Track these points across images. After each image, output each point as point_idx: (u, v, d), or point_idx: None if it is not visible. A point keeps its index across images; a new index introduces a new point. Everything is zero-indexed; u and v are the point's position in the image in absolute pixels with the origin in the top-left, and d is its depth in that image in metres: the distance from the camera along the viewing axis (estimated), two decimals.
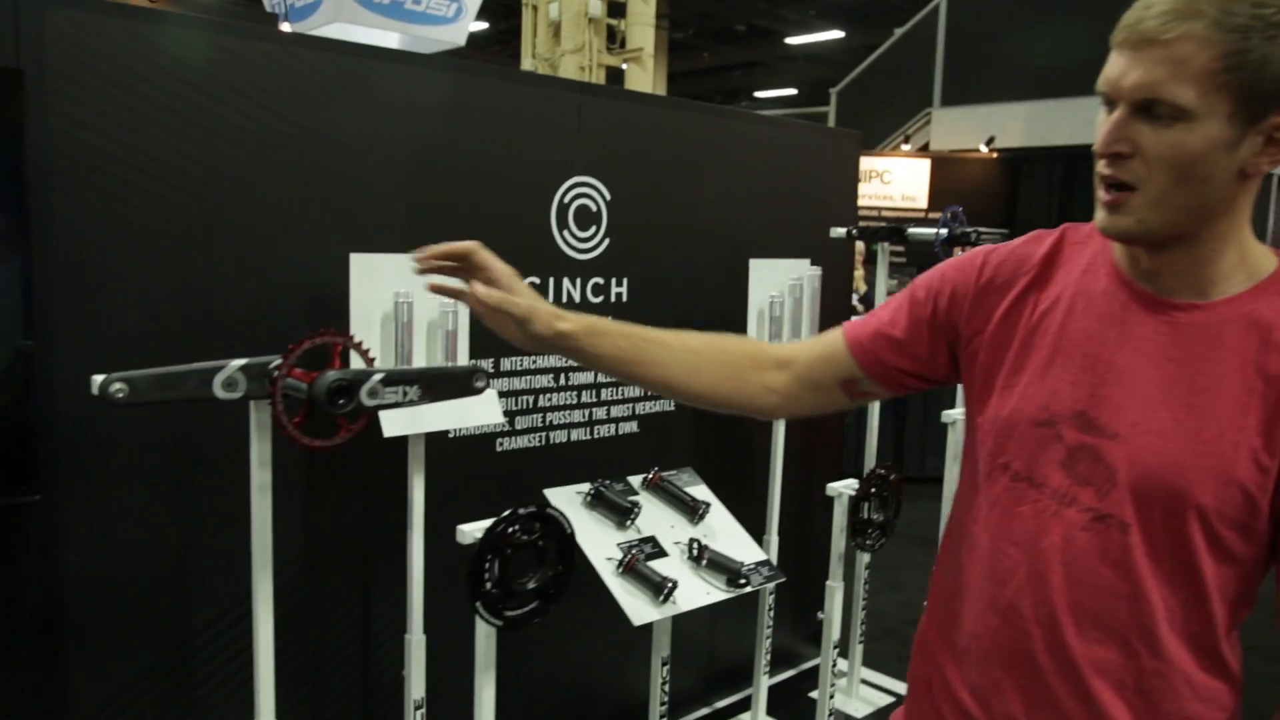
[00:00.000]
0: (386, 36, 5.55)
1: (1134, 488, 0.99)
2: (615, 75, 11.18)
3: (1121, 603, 1.00)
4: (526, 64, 11.35)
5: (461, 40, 5.68)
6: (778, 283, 2.69)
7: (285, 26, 5.09)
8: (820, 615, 2.86)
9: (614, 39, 11.19)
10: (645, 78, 11.03)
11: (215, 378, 1.45)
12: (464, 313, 1.99)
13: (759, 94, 22.90)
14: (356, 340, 1.50)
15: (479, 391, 1.59)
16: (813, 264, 2.79)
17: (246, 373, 1.47)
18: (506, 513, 1.54)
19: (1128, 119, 0.94)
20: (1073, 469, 1.02)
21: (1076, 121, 7.25)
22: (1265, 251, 1.01)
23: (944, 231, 2.85)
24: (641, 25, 11.01)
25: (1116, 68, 0.95)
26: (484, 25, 16.15)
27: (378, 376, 1.43)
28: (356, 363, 1.54)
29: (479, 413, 1.98)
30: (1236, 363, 0.97)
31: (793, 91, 22.15)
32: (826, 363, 1.24)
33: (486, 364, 2.34)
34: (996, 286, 1.12)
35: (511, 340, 1.17)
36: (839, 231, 2.88)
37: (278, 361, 1.44)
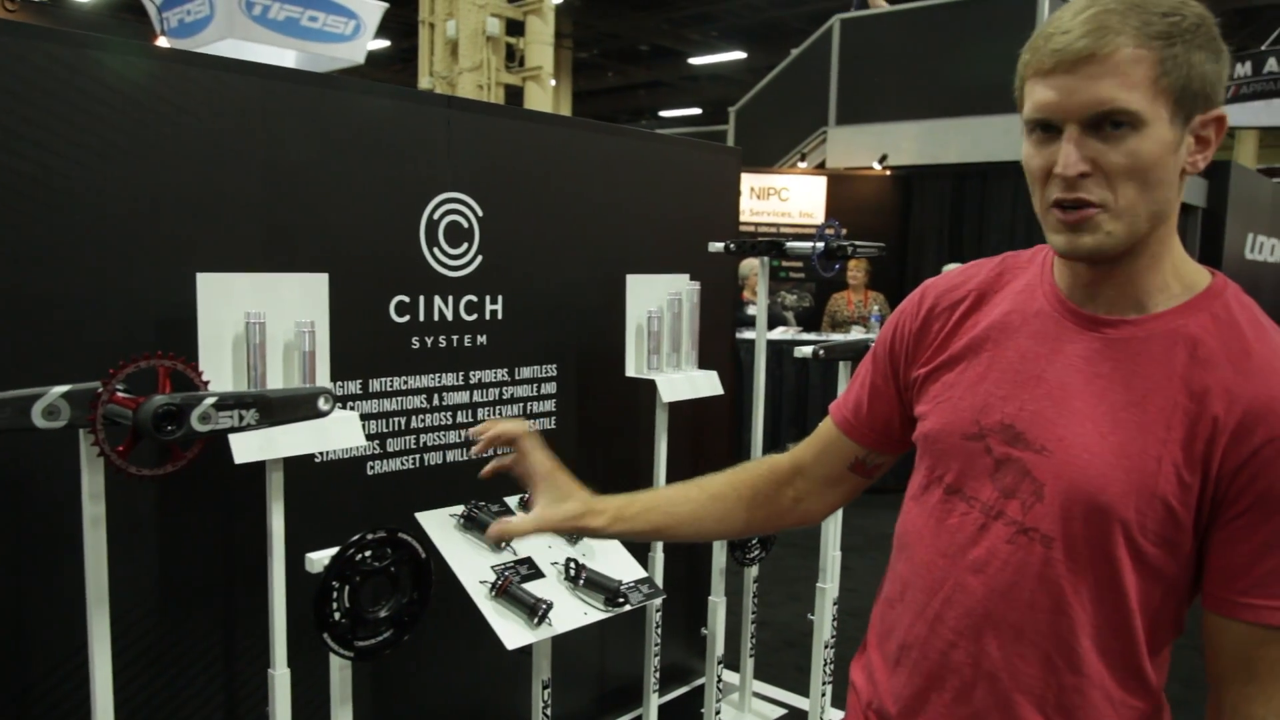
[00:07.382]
0: (284, 55, 5.39)
1: (1059, 502, 0.99)
2: (515, 94, 11.14)
3: (1042, 617, 1.01)
4: (424, 82, 11.24)
5: (360, 58, 5.56)
6: (656, 298, 2.68)
7: (163, 41, 4.92)
8: (705, 631, 2.85)
9: (513, 57, 11.16)
10: (545, 96, 11.03)
11: (34, 405, 1.36)
12: (321, 332, 1.92)
13: (664, 113, 23.15)
14: (191, 363, 1.43)
15: (325, 414, 1.53)
16: (692, 279, 2.79)
17: (70, 400, 1.39)
18: (355, 538, 1.48)
19: (1081, 138, 0.94)
20: (1000, 482, 1.03)
21: (965, 141, 7.50)
22: (1198, 268, 1.03)
23: (820, 245, 2.88)
24: (540, 44, 11.01)
25: (1057, 91, 0.94)
26: (385, 43, 15.97)
27: (210, 400, 1.36)
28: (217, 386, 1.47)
29: (339, 435, 1.91)
30: (1163, 376, 0.97)
31: (697, 111, 22.45)
32: (829, 453, 1.27)
33: (354, 385, 2.27)
34: (938, 313, 1.15)
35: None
36: (717, 246, 2.89)
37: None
